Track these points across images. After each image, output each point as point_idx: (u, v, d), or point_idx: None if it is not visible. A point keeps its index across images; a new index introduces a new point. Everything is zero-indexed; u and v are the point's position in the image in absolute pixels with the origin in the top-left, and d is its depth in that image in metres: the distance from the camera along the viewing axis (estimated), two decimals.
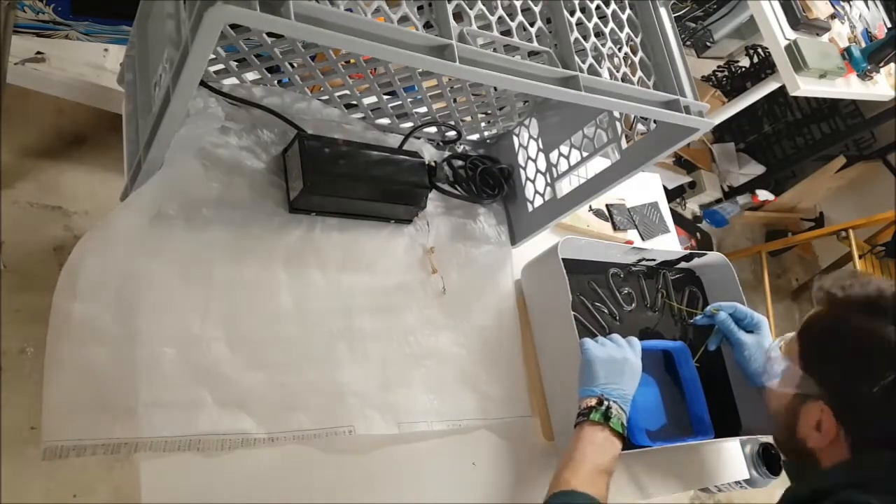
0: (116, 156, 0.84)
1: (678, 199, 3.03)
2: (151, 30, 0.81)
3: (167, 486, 0.73)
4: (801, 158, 3.10)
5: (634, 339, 0.97)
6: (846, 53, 2.08)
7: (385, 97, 1.00)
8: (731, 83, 3.04)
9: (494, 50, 0.69)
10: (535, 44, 0.71)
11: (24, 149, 1.60)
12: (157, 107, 0.68)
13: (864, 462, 0.77)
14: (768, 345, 1.04)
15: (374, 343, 0.92)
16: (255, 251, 0.87)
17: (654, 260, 1.21)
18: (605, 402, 0.87)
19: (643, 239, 1.39)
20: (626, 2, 0.82)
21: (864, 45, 2.23)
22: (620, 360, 0.92)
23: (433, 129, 1.11)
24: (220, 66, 0.88)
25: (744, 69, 3.02)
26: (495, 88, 1.04)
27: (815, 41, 2.00)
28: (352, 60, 0.91)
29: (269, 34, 0.82)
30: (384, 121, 1.05)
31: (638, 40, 0.82)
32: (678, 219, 2.89)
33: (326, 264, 0.92)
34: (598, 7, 0.79)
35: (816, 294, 0.86)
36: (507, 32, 0.70)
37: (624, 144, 0.98)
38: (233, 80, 0.91)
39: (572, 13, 0.76)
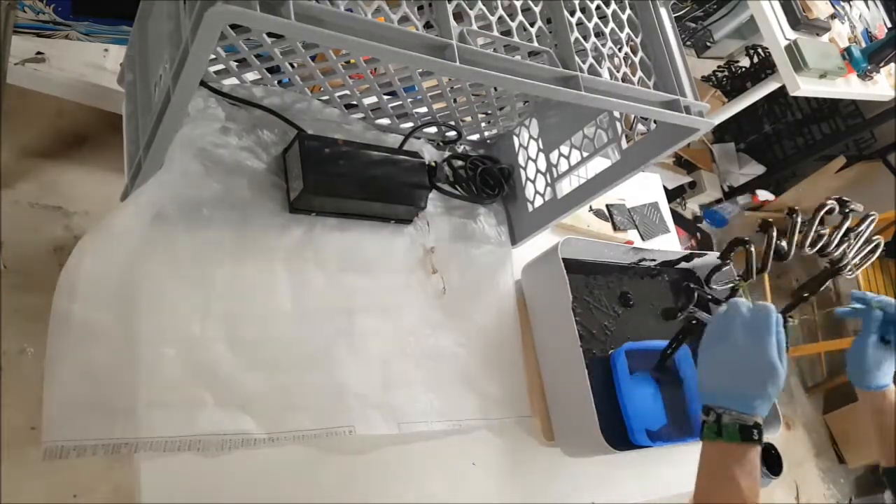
0: (116, 156, 0.84)
1: (678, 199, 3.04)
2: (151, 30, 0.81)
3: (167, 486, 0.73)
4: (801, 158, 3.10)
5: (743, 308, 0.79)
6: (846, 53, 2.08)
7: (385, 97, 1.00)
8: (731, 83, 3.04)
9: (494, 50, 0.69)
10: (535, 44, 0.71)
11: (24, 149, 1.60)
12: (158, 107, 0.68)
13: None
14: None
15: (374, 343, 0.92)
16: (255, 251, 0.87)
17: (654, 260, 1.21)
18: (714, 414, 0.75)
19: (643, 239, 1.39)
20: (626, 2, 0.82)
21: (864, 45, 2.23)
22: (722, 354, 0.77)
23: (433, 130, 1.10)
24: (220, 66, 0.88)
25: (744, 69, 3.02)
26: (495, 88, 1.04)
27: (815, 41, 2.00)
28: (352, 60, 0.91)
29: (270, 34, 0.82)
30: (384, 121, 1.05)
31: (638, 40, 0.82)
32: (678, 219, 2.88)
33: (326, 264, 0.92)
34: (598, 7, 0.79)
35: None
36: (508, 32, 0.70)
37: (624, 144, 0.98)
38: (233, 81, 0.91)
39: (572, 13, 0.76)
